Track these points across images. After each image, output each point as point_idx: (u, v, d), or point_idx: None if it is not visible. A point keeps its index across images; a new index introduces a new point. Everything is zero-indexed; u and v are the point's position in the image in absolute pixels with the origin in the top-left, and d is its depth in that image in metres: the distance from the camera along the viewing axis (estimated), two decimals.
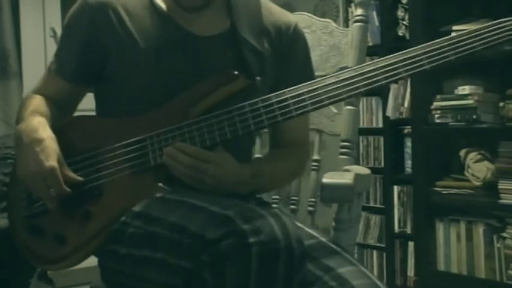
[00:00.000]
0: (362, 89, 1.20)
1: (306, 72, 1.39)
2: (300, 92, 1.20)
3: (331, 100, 1.20)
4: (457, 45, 1.18)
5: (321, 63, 1.61)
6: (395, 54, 1.21)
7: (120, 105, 1.29)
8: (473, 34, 1.18)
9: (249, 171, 1.27)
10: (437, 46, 1.19)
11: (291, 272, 0.98)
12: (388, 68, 1.19)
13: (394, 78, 1.20)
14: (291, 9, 1.43)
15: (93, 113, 1.37)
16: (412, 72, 1.19)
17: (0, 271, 1.49)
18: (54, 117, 1.32)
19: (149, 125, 1.22)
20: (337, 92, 1.19)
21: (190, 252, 1.03)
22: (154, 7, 1.30)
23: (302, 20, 1.62)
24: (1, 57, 3.01)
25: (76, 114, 1.40)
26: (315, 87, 1.20)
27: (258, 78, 1.26)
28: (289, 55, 1.38)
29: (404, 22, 3.17)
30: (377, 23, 3.34)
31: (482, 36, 1.18)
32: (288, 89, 1.21)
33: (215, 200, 1.09)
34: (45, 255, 1.25)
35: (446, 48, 1.18)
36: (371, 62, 1.21)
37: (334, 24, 1.64)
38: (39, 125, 1.23)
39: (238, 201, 1.08)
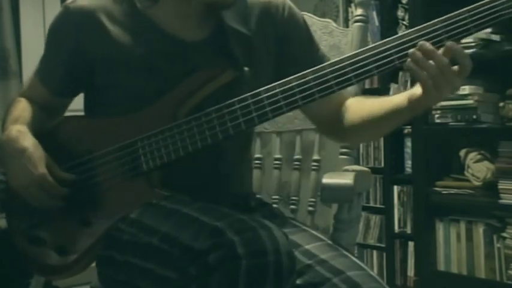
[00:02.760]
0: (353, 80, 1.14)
1: (312, 51, 1.35)
2: (290, 85, 1.16)
3: (321, 94, 1.16)
4: (451, 27, 1.12)
5: None
6: (388, 39, 1.13)
7: (113, 110, 1.26)
8: (467, 14, 1.12)
9: None
10: (432, 29, 1.12)
11: (280, 285, 0.97)
12: (381, 55, 1.12)
13: (387, 66, 1.13)
14: None
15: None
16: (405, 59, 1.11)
17: (0, 271, 1.49)
18: (40, 121, 1.30)
19: (139, 126, 1.20)
20: (328, 84, 1.15)
21: (179, 264, 1.02)
22: (138, 14, 1.26)
23: None
24: (1, 57, 3.01)
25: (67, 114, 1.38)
26: (304, 80, 1.15)
27: (246, 68, 1.22)
28: (289, 38, 1.33)
29: (404, 22, 3.17)
30: (377, 23, 3.34)
31: (476, 17, 1.11)
32: (277, 82, 1.17)
33: (208, 209, 1.08)
34: (47, 265, 1.24)
35: (441, 31, 1.12)
36: (368, 48, 1.15)
37: (334, 24, 1.64)
38: (19, 135, 1.21)
39: (231, 211, 1.07)
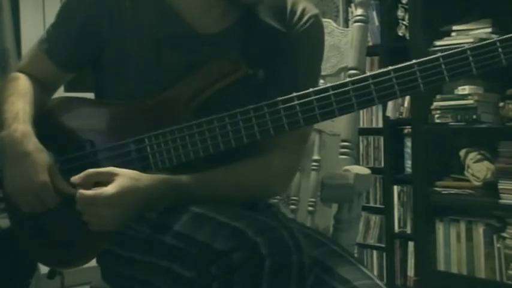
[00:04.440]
0: (376, 101, 1.11)
1: (300, 73, 1.27)
2: (309, 99, 1.11)
3: (342, 112, 1.12)
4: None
5: None
6: (411, 63, 1.10)
7: (118, 96, 1.22)
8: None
9: (159, 187, 1.12)
10: (459, 57, 1.09)
11: (302, 286, 0.97)
12: (410, 78, 1.09)
13: (411, 91, 1.11)
14: None
15: None
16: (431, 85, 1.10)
17: (0, 271, 1.49)
18: (40, 99, 1.25)
19: (146, 119, 1.17)
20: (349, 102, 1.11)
21: (198, 263, 1.00)
22: None
23: None
24: (1, 57, 3.01)
25: None
26: (324, 94, 1.11)
27: (261, 70, 1.20)
28: (300, 45, 1.26)
29: (404, 22, 3.17)
30: (377, 23, 3.34)
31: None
32: (296, 94, 1.12)
33: (223, 209, 1.06)
34: (51, 258, 1.23)
35: (470, 60, 1.09)
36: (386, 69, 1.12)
37: (334, 24, 1.64)
38: (23, 137, 1.14)
39: (248, 211, 1.05)
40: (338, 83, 1.12)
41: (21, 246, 1.27)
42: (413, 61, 1.10)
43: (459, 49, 1.10)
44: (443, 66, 1.09)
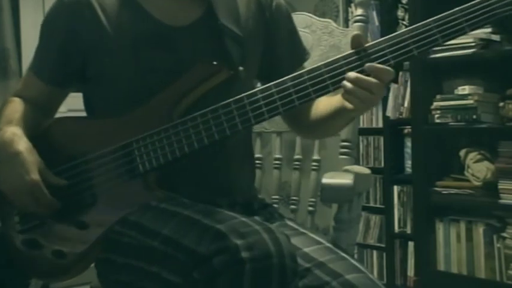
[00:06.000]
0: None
1: (295, 45, 1.40)
2: (285, 85, 1.16)
3: (317, 94, 1.16)
4: (444, 26, 1.13)
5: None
6: (381, 39, 1.16)
7: (106, 105, 1.26)
8: (460, 14, 1.13)
9: None
10: (424, 29, 1.14)
11: None
12: (379, 54, 1.14)
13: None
14: (291, 9, 1.43)
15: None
16: (400, 58, 1.15)
17: (0, 271, 1.49)
18: (35, 121, 1.29)
19: (134, 127, 1.19)
20: (324, 84, 1.16)
21: (184, 268, 1.01)
22: (130, 1, 1.26)
23: (302, 20, 1.62)
24: (1, 57, 3.01)
25: (69, 114, 1.36)
26: (299, 80, 1.16)
27: (240, 68, 1.22)
28: (275, 29, 1.36)
29: (404, 22, 3.17)
30: (377, 23, 3.34)
31: (470, 16, 1.12)
32: (273, 82, 1.17)
33: (209, 211, 1.08)
34: (44, 269, 1.23)
35: (434, 31, 1.13)
36: (357, 50, 1.16)
37: (334, 24, 1.64)
38: (14, 137, 1.19)
39: (232, 214, 1.06)
40: (311, 67, 1.17)
41: (14, 257, 1.27)
42: (382, 38, 1.16)
43: (423, 22, 1.15)
44: (410, 40, 1.14)
